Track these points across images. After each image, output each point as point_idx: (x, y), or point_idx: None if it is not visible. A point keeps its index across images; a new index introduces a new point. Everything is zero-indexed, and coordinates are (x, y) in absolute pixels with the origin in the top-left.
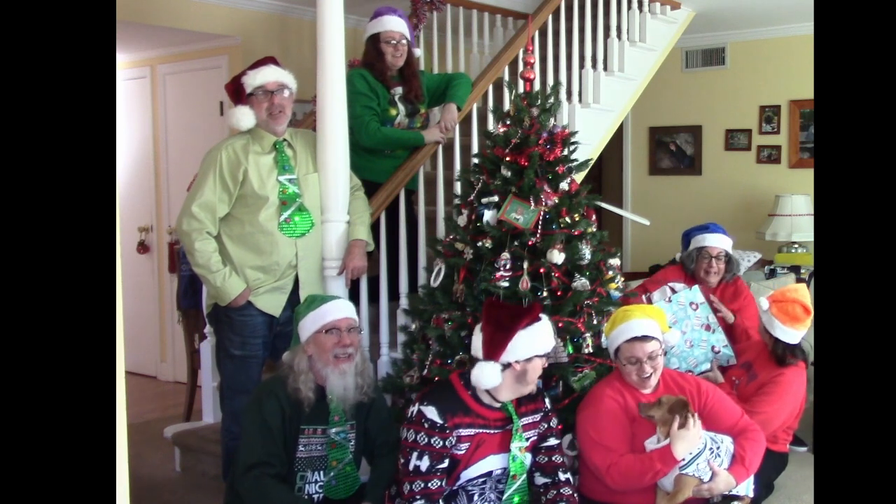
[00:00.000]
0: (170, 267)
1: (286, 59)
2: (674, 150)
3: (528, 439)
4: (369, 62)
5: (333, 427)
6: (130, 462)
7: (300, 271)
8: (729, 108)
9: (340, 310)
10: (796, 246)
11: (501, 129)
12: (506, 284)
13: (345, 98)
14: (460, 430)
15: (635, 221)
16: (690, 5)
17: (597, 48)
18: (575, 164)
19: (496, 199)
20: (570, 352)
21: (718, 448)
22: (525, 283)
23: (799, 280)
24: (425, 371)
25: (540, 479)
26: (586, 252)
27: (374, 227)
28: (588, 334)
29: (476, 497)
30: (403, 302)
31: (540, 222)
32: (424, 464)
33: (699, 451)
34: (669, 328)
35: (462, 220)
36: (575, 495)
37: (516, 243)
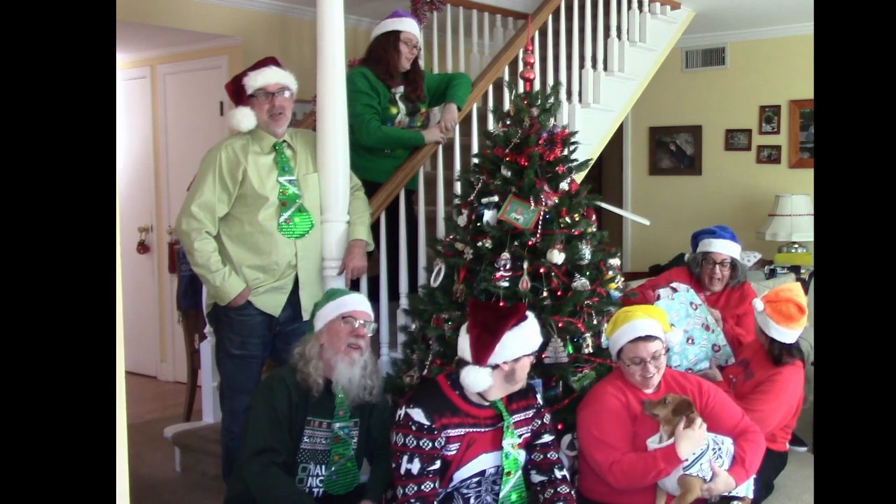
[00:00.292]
0: (170, 267)
1: (286, 59)
2: (674, 150)
3: (520, 436)
4: (377, 58)
5: (338, 422)
6: (130, 462)
7: (300, 271)
8: (729, 108)
9: (360, 303)
10: (796, 246)
11: (501, 129)
12: (506, 284)
13: (345, 98)
14: (449, 431)
15: (635, 221)
16: (690, 5)
17: (597, 48)
18: (575, 164)
19: (496, 199)
20: (570, 352)
21: (720, 449)
22: (525, 283)
23: (799, 280)
24: (425, 371)
25: (536, 477)
26: (586, 252)
27: (374, 227)
28: (588, 334)
29: (472, 499)
30: (403, 302)
31: (540, 222)
32: (415, 467)
33: (702, 451)
34: (671, 327)
35: (462, 220)
36: (572, 493)
37: (516, 243)
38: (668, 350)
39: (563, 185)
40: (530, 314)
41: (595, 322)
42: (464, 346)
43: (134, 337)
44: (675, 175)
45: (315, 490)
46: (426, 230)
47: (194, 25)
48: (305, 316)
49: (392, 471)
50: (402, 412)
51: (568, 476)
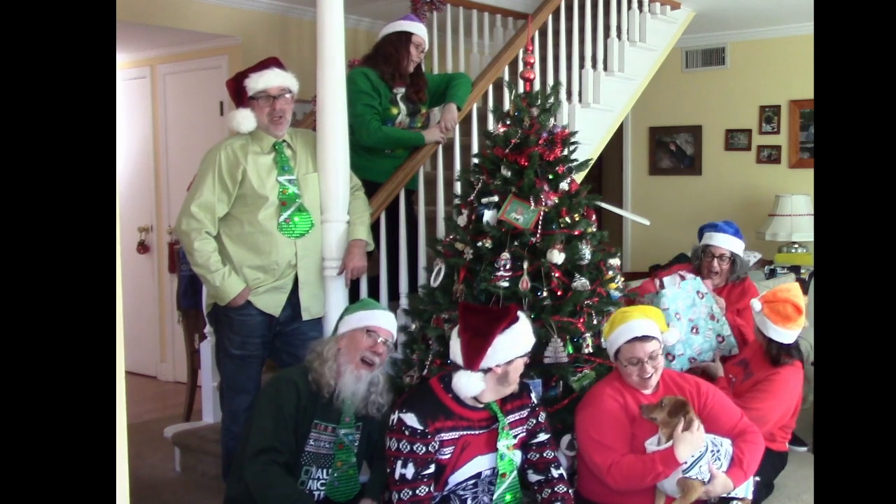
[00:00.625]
0: (170, 267)
1: (286, 59)
2: (674, 150)
3: (515, 436)
4: (385, 56)
5: (344, 428)
6: (130, 462)
7: (300, 271)
8: (729, 108)
9: (388, 321)
10: (796, 246)
11: (501, 129)
12: (506, 284)
13: (345, 98)
14: (442, 435)
15: (635, 221)
16: (690, 5)
17: (597, 48)
18: (575, 164)
19: (496, 199)
20: (570, 352)
21: (718, 451)
22: (525, 283)
23: (799, 280)
24: (425, 371)
25: (533, 477)
26: (586, 252)
27: (374, 227)
28: (588, 334)
29: (469, 501)
30: (403, 302)
31: (540, 222)
32: (410, 471)
33: (701, 453)
34: (668, 327)
35: (462, 220)
36: (570, 492)
37: (516, 243)
38: (669, 352)
39: (563, 185)
40: (521, 315)
41: (595, 322)
42: (455, 350)
43: (134, 337)
44: (675, 175)
45: (316, 493)
46: (426, 230)
47: (194, 25)
48: (305, 316)
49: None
50: (395, 417)
51: (565, 475)
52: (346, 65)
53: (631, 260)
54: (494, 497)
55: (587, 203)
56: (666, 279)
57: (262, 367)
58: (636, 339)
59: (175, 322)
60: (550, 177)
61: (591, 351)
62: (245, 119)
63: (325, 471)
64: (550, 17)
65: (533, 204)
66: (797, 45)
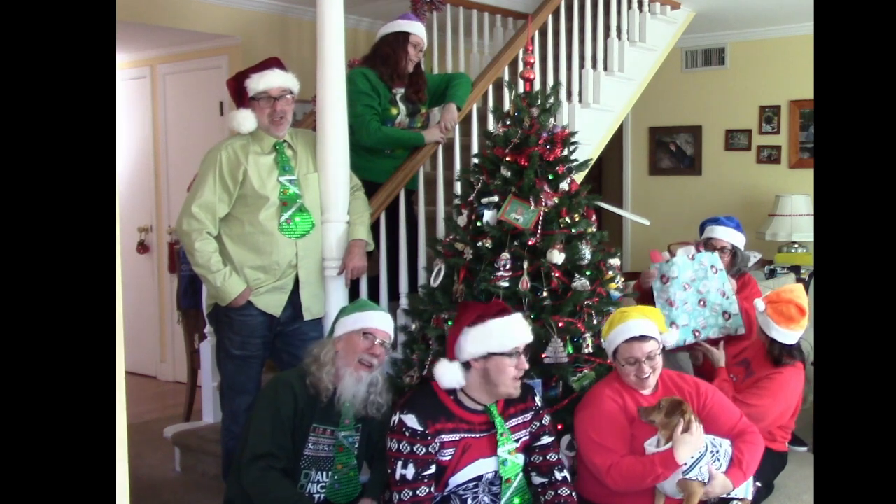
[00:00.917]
0: (170, 267)
1: (286, 59)
2: (674, 150)
3: (518, 440)
4: (384, 57)
5: (343, 430)
6: (130, 462)
7: (300, 271)
8: (729, 108)
9: (384, 322)
10: (796, 246)
11: (501, 129)
12: (506, 284)
13: (345, 98)
14: (443, 437)
15: (635, 221)
16: (690, 5)
17: (597, 48)
18: (575, 164)
19: (496, 199)
20: (570, 352)
21: (717, 451)
22: (525, 283)
23: (799, 280)
24: (425, 371)
25: (537, 479)
26: (586, 252)
27: (374, 227)
28: (588, 334)
29: (469, 502)
30: (403, 302)
31: (540, 222)
32: (410, 472)
33: (700, 454)
34: (668, 328)
35: (462, 220)
36: (573, 495)
37: (516, 243)
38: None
39: (563, 185)
40: (509, 316)
41: (595, 322)
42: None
43: (134, 337)
44: (675, 175)
45: (316, 496)
46: (426, 230)
47: (194, 25)
48: (306, 316)
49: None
50: (396, 418)
51: (569, 477)
52: (346, 65)
53: (631, 260)
54: (502, 502)
55: (587, 203)
56: (680, 249)
57: (263, 368)
58: (634, 338)
59: (175, 322)
60: (550, 177)
61: (591, 351)
62: (246, 120)
63: (324, 473)
64: (550, 17)
65: (533, 204)
66: (797, 45)
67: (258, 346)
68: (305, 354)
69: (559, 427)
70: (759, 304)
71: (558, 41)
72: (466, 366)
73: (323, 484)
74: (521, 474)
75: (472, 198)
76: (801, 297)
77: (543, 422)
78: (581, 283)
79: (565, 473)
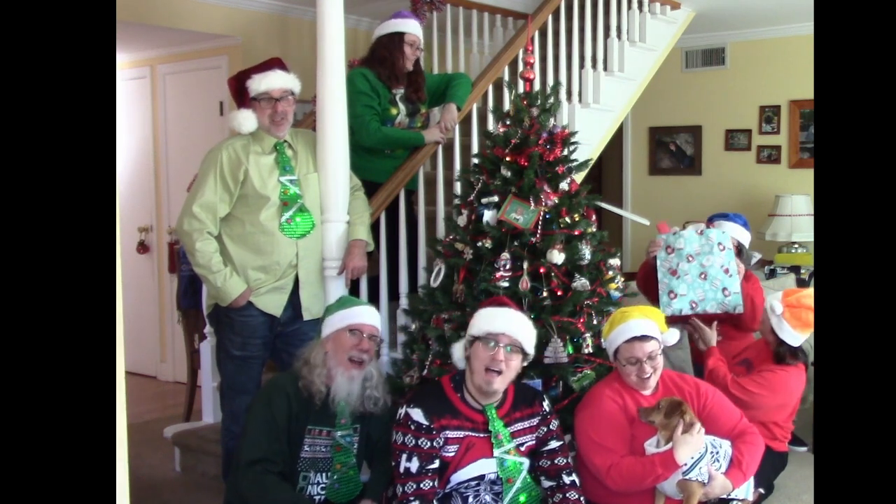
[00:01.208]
0: (170, 267)
1: (286, 59)
2: (674, 150)
3: (523, 445)
4: (380, 59)
5: (340, 430)
6: (130, 462)
7: (300, 271)
8: (729, 108)
9: (369, 315)
10: (796, 246)
11: (501, 129)
12: (506, 284)
13: (345, 98)
14: (447, 432)
15: (635, 221)
16: (690, 5)
17: (597, 48)
18: (575, 164)
19: (496, 199)
20: (570, 352)
21: (717, 452)
22: (525, 283)
23: (799, 280)
24: (425, 371)
25: (545, 483)
26: (586, 252)
27: (374, 227)
28: (588, 334)
29: (471, 499)
30: (403, 302)
31: (540, 222)
32: (414, 465)
33: (700, 455)
34: (668, 329)
35: (462, 220)
36: (581, 499)
37: (516, 243)
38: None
39: (563, 185)
40: (507, 308)
41: (595, 322)
42: (458, 353)
43: (134, 337)
44: (675, 175)
45: (317, 497)
46: (426, 230)
47: (194, 25)
48: (306, 316)
49: (392, 471)
50: (402, 411)
51: (577, 481)
52: (346, 65)
53: (631, 260)
54: (506, 502)
55: (587, 203)
56: (691, 224)
57: (263, 368)
58: (635, 338)
59: (175, 322)
60: (550, 177)
61: (591, 351)
62: (246, 120)
63: (324, 474)
64: (550, 18)
65: (533, 204)
66: (797, 45)
67: (258, 347)
68: (296, 358)
69: (560, 429)
70: (778, 306)
71: (558, 41)
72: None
73: (323, 485)
74: (524, 473)
75: (472, 198)
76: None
77: (551, 427)
78: (581, 283)
79: (574, 477)
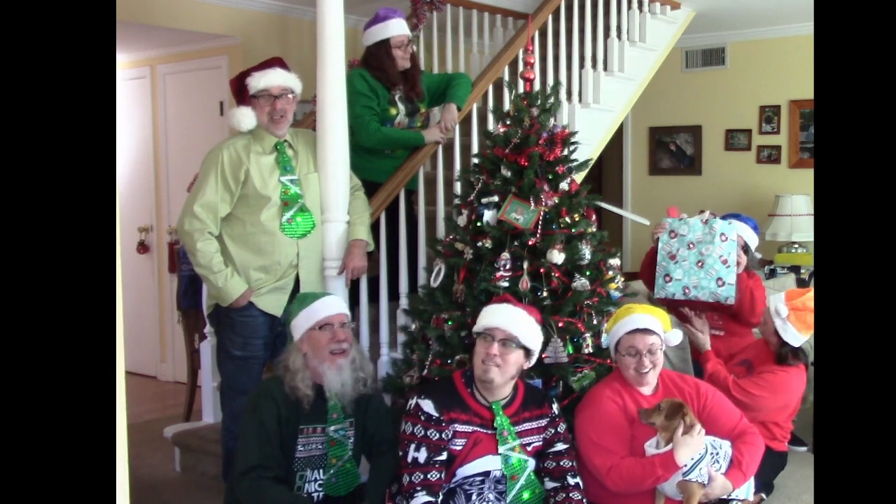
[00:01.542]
0: (170, 267)
1: (286, 59)
2: (674, 150)
3: (530, 445)
4: (374, 67)
5: (332, 425)
6: (130, 462)
7: (301, 271)
8: (729, 108)
9: (332, 306)
10: (796, 246)
11: (501, 129)
12: (506, 284)
13: (345, 98)
14: (456, 426)
15: (635, 221)
16: (690, 5)
17: (597, 48)
18: (575, 164)
19: (496, 199)
20: (570, 352)
21: (717, 453)
22: (525, 283)
23: (799, 280)
24: (425, 371)
25: (549, 484)
26: (586, 252)
27: (374, 227)
28: (588, 334)
29: (474, 496)
30: (403, 302)
31: (540, 222)
32: (422, 455)
33: (700, 456)
34: (672, 329)
35: (462, 220)
36: (584, 501)
37: (516, 243)
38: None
39: (563, 185)
40: (501, 304)
41: (595, 322)
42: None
43: (134, 337)
44: (675, 175)
45: (315, 494)
46: (426, 230)
47: (194, 25)
48: None
49: (392, 469)
50: (413, 402)
51: (581, 483)
52: (346, 65)
53: (631, 260)
54: (509, 499)
55: (587, 203)
56: (701, 214)
57: (264, 368)
58: (637, 330)
59: (175, 322)
60: (550, 177)
61: (591, 351)
62: (245, 117)
63: (320, 471)
64: (550, 18)
65: (533, 204)
66: (797, 45)
67: (259, 347)
68: (275, 366)
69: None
70: (783, 309)
71: (558, 41)
72: None
73: (320, 481)
74: (529, 471)
75: (472, 198)
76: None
77: (559, 429)
78: (581, 283)
79: (578, 479)
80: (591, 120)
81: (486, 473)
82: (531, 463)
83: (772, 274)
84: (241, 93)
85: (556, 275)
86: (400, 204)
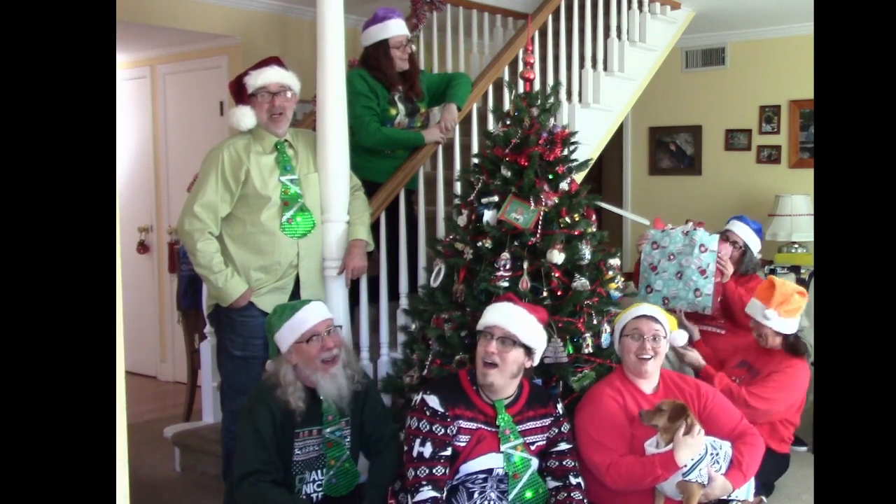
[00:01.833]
0: (170, 267)
1: (286, 59)
2: (674, 150)
3: (533, 444)
4: (374, 66)
5: (328, 427)
6: (130, 462)
7: (301, 271)
8: (729, 108)
9: (316, 314)
10: (796, 246)
11: (501, 129)
12: (506, 284)
13: (345, 98)
14: (461, 422)
15: (635, 221)
16: (690, 5)
17: (597, 48)
18: (575, 164)
19: (496, 199)
20: (570, 352)
21: (717, 454)
22: (525, 283)
23: (799, 280)
24: (425, 371)
25: (551, 483)
26: (586, 252)
27: (374, 227)
28: (588, 334)
29: (476, 494)
30: (403, 302)
31: (540, 222)
32: (427, 450)
33: (700, 456)
34: (676, 329)
35: (462, 220)
36: (585, 501)
37: (516, 243)
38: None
39: (563, 185)
40: (506, 303)
41: (595, 322)
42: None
43: (134, 337)
44: (675, 175)
45: (314, 495)
46: (426, 230)
47: (194, 25)
48: None
49: (391, 467)
50: (418, 397)
51: (583, 483)
52: (346, 65)
53: (631, 260)
54: (511, 497)
55: (587, 203)
56: (691, 223)
57: (264, 368)
58: (643, 315)
59: (175, 322)
60: (550, 177)
61: (591, 351)
62: (244, 116)
63: (318, 472)
64: (550, 18)
65: (533, 204)
66: (797, 45)
67: (259, 347)
68: (264, 378)
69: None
70: (771, 312)
71: (558, 41)
72: None
73: (319, 482)
74: (531, 469)
75: (472, 198)
76: (785, 283)
77: (563, 429)
78: (581, 283)
79: (580, 479)
80: (591, 120)
81: (489, 471)
82: (534, 462)
83: (772, 274)
84: (239, 93)
85: (556, 275)
86: (400, 204)
